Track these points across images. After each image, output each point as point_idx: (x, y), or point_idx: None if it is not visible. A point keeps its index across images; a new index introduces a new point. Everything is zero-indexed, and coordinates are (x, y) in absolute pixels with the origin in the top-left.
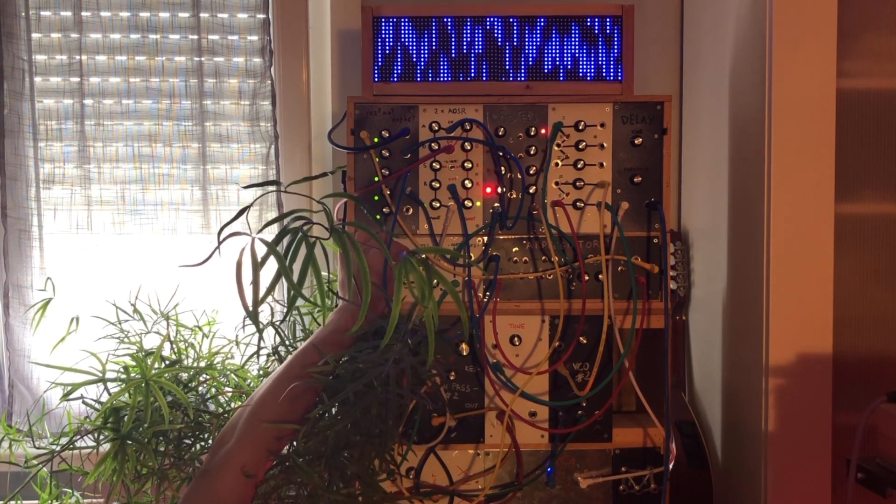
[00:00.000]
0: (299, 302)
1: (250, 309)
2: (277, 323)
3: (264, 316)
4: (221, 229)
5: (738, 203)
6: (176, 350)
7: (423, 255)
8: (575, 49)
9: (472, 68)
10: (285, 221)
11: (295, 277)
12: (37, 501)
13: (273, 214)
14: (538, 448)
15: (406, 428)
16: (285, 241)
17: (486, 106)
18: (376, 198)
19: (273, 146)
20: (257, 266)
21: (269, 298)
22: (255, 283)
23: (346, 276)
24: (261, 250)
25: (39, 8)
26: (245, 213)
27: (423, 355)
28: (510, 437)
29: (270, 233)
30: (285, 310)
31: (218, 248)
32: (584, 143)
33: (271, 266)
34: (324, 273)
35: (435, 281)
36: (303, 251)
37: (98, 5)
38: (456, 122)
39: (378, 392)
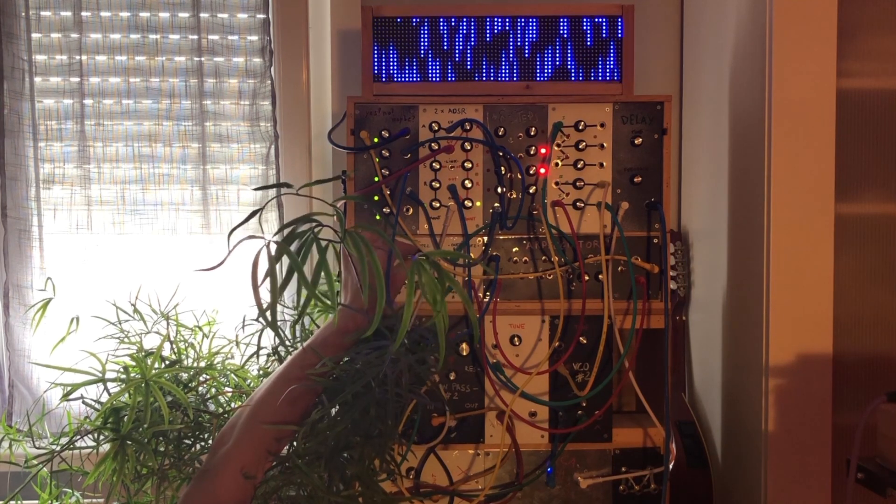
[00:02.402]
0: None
1: (265, 310)
2: (296, 321)
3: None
4: (231, 232)
5: (738, 203)
6: (176, 350)
7: (434, 259)
8: (575, 49)
9: (471, 68)
10: (276, 224)
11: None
12: (37, 501)
13: (273, 214)
14: (538, 448)
15: (406, 428)
16: (299, 243)
17: (486, 106)
18: (376, 198)
19: (273, 146)
20: (274, 271)
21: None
22: (273, 287)
23: (348, 277)
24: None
25: (39, 8)
26: (258, 216)
27: (421, 355)
28: (510, 437)
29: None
30: (294, 311)
31: (230, 252)
32: (584, 143)
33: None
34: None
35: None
36: (311, 254)
37: (98, 5)
38: (456, 122)
39: (376, 392)
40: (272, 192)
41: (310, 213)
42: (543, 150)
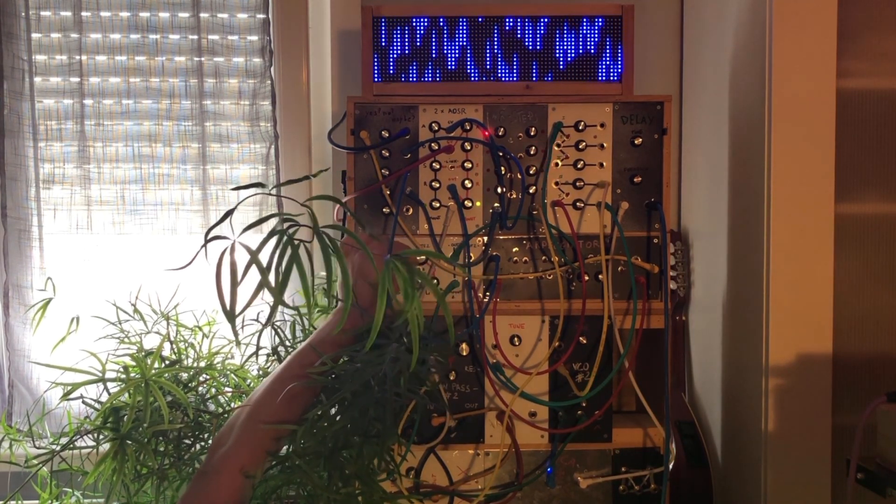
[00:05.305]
0: (300, 301)
1: (228, 309)
2: (265, 324)
3: (263, 316)
4: (209, 230)
5: (738, 203)
6: (176, 350)
7: (408, 257)
8: (575, 49)
9: (471, 68)
10: (274, 224)
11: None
12: (37, 501)
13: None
14: (538, 448)
15: (406, 428)
16: (275, 243)
17: (486, 106)
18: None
19: (273, 146)
20: (235, 270)
21: (270, 298)
22: (234, 286)
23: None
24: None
25: (39, 8)
26: (230, 216)
27: (422, 355)
28: (510, 437)
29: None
30: (293, 311)
31: (202, 248)
32: (584, 143)
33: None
34: (323, 273)
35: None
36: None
37: (98, 5)
38: (456, 122)
39: (375, 392)
40: (255, 193)
41: (279, 212)
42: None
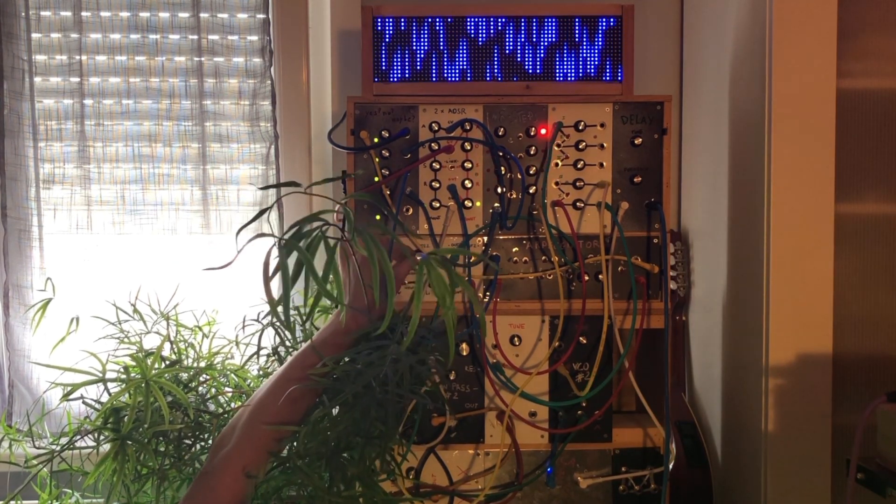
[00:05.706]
0: (300, 302)
1: (277, 304)
2: (305, 319)
3: (266, 318)
4: (239, 231)
5: (738, 203)
6: (176, 350)
7: (442, 257)
8: (575, 49)
9: (471, 68)
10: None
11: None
12: (37, 501)
13: (273, 214)
14: (538, 448)
15: (406, 428)
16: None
17: (486, 106)
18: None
19: (273, 146)
20: (286, 264)
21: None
22: (285, 280)
23: (346, 276)
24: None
25: (39, 8)
26: (267, 215)
27: (422, 355)
28: (510, 437)
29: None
30: (294, 314)
31: (241, 251)
32: (584, 143)
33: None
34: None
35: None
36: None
37: (98, 5)
38: (456, 122)
39: (377, 393)
40: (279, 192)
41: (316, 212)
42: (544, 131)
